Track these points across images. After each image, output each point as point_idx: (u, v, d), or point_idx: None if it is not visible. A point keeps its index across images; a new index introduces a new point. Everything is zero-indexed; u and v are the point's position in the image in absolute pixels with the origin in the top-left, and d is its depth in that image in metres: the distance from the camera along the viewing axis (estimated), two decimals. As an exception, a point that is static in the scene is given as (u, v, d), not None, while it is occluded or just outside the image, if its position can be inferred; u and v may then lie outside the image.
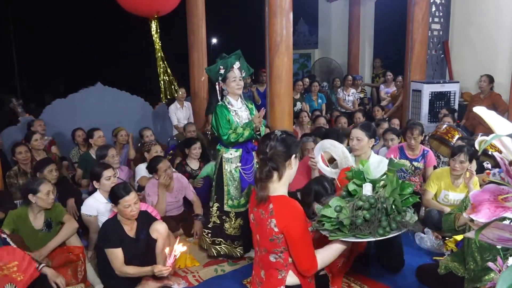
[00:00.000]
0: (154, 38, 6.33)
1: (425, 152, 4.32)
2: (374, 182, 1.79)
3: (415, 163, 4.28)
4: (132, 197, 2.86)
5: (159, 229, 2.98)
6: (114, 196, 2.88)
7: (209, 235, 3.47)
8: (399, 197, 1.75)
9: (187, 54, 6.85)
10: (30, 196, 3.05)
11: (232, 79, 3.26)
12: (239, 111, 3.32)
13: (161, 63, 6.57)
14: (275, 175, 1.84)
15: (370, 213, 1.69)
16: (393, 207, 1.72)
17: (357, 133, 3.09)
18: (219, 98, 3.31)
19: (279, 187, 1.88)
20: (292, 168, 1.90)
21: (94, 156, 4.77)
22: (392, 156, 3.99)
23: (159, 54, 6.49)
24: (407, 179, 4.27)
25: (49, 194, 3.09)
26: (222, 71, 3.24)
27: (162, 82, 6.69)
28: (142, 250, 2.95)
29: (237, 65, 3.28)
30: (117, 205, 2.86)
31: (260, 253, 1.97)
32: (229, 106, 3.29)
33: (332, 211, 1.74)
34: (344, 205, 1.76)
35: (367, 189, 1.77)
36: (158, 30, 6.38)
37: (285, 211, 1.82)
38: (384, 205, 1.70)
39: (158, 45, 6.38)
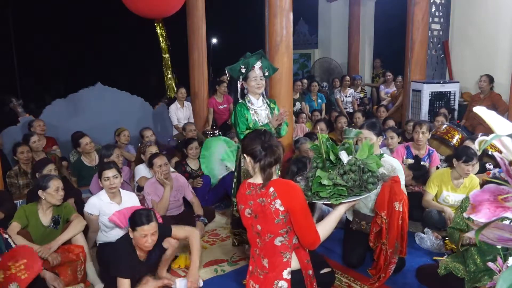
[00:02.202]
0: (160, 39, 6.32)
1: (431, 151, 4.33)
2: (347, 149, 2.07)
3: (422, 163, 4.27)
4: (151, 227, 2.71)
5: (171, 242, 3.00)
6: (133, 221, 2.74)
7: (232, 227, 3.60)
8: (373, 157, 2.08)
9: (187, 54, 6.85)
10: (40, 192, 3.10)
11: (252, 78, 3.31)
12: (258, 110, 3.37)
13: (168, 63, 6.56)
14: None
15: (355, 175, 1.96)
16: (372, 165, 2.04)
17: (366, 133, 3.10)
18: (239, 96, 3.37)
19: (273, 172, 2.09)
20: None
21: (85, 163, 4.83)
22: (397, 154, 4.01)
23: (166, 55, 6.48)
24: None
25: (58, 190, 3.14)
26: (243, 70, 3.30)
27: (168, 80, 6.69)
28: (150, 267, 2.97)
29: (258, 64, 3.31)
30: (134, 231, 2.73)
31: (263, 242, 2.07)
32: (249, 104, 3.34)
33: (328, 180, 1.95)
34: (332, 173, 2.00)
35: (344, 156, 2.02)
36: (164, 32, 6.37)
37: (287, 190, 1.99)
38: (362, 166, 1.99)
39: (165, 46, 6.37)
